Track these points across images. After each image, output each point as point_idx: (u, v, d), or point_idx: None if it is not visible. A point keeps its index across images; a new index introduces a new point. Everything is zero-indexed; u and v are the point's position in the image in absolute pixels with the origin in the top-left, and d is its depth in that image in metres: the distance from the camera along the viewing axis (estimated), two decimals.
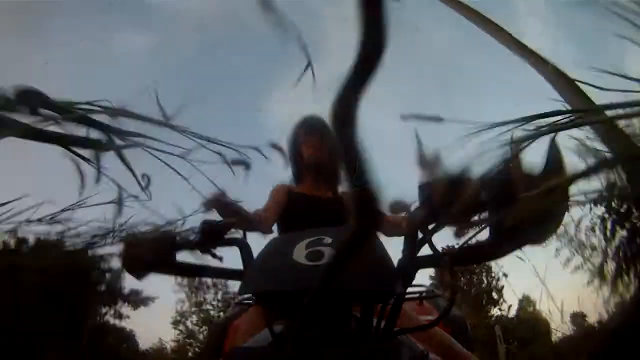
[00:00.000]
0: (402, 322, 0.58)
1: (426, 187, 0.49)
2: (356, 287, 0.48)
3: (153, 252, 0.71)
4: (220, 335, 1.31)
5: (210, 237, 0.77)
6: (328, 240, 0.54)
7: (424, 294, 1.46)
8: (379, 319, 0.55)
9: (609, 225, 2.75)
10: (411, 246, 0.54)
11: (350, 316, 0.55)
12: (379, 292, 0.51)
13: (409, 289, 0.59)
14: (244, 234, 0.87)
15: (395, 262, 0.56)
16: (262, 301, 0.63)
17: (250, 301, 1.21)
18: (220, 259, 0.80)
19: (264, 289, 0.52)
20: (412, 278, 0.55)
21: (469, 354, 1.16)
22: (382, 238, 0.58)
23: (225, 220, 0.80)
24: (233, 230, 0.82)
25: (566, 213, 0.42)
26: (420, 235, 0.53)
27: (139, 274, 0.74)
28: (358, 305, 0.55)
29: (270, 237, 0.97)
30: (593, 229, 3.06)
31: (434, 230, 0.52)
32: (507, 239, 0.42)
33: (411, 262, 0.54)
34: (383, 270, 0.51)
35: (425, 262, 0.55)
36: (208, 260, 0.77)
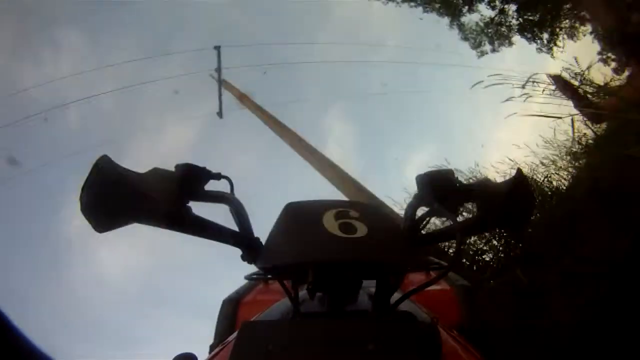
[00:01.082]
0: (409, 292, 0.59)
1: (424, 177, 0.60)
2: (378, 259, 0.49)
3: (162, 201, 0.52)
4: (232, 312, 1.34)
5: (188, 182, 0.57)
6: (355, 213, 0.53)
7: (430, 265, 1.48)
8: (389, 290, 0.55)
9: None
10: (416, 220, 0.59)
11: (360, 287, 0.56)
12: (394, 264, 0.52)
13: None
14: (232, 189, 0.64)
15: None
16: (283, 274, 0.58)
17: (261, 276, 1.22)
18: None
19: (295, 260, 0.49)
20: (420, 249, 0.57)
21: (479, 321, 1.18)
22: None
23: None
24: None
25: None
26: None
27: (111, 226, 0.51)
28: (369, 278, 0.55)
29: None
30: None
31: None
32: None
33: (420, 236, 0.56)
34: (399, 243, 0.52)
35: (434, 237, 0.60)
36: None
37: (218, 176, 0.63)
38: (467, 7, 9.66)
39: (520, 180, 0.59)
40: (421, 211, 0.63)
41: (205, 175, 0.61)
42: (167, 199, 0.52)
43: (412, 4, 9.72)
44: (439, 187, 0.59)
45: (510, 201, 0.56)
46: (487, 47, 10.30)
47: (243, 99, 7.83)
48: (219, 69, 8.52)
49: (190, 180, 0.57)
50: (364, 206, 0.58)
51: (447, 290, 1.33)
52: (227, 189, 0.64)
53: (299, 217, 0.55)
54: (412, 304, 0.67)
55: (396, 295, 0.54)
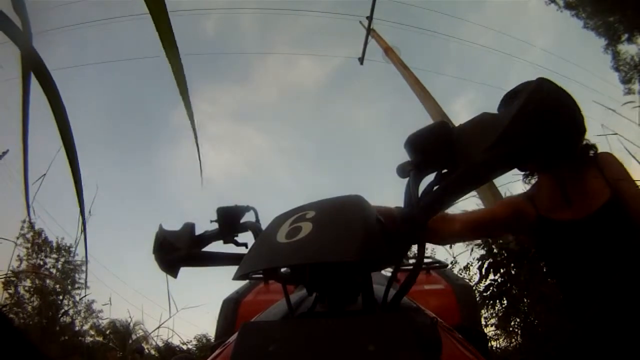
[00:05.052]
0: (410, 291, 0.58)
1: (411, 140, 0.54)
2: (327, 259, 0.45)
3: (182, 248, 0.77)
4: (233, 311, 1.34)
5: (227, 222, 0.82)
6: (311, 214, 0.52)
7: (430, 264, 1.48)
8: (387, 288, 0.55)
9: (485, 265, 3.15)
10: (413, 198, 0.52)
11: (359, 287, 0.55)
12: (360, 262, 0.49)
13: (414, 261, 0.56)
14: (257, 219, 0.87)
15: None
16: (268, 278, 0.61)
17: (261, 276, 1.24)
18: (245, 245, 0.83)
19: (248, 270, 0.51)
20: (412, 241, 0.52)
21: (478, 320, 1.18)
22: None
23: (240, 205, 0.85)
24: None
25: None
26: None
27: (174, 271, 0.79)
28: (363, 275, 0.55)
29: None
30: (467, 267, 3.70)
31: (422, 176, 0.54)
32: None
33: (414, 219, 0.50)
34: (361, 238, 0.47)
35: (428, 211, 0.52)
36: (233, 249, 0.82)
37: (248, 208, 0.85)
38: (627, 35, 8.40)
39: (542, 90, 0.45)
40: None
41: (240, 211, 0.84)
42: (184, 248, 0.77)
43: (573, 12, 8.86)
44: (420, 148, 0.53)
45: (524, 120, 0.43)
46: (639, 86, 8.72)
47: (389, 51, 7.84)
48: (370, 17, 8.50)
49: (229, 221, 0.82)
50: (328, 204, 0.56)
51: (447, 290, 1.33)
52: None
53: (267, 229, 0.57)
54: (412, 304, 0.67)
55: (395, 295, 0.54)
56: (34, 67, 0.41)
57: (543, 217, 1.17)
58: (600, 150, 1.18)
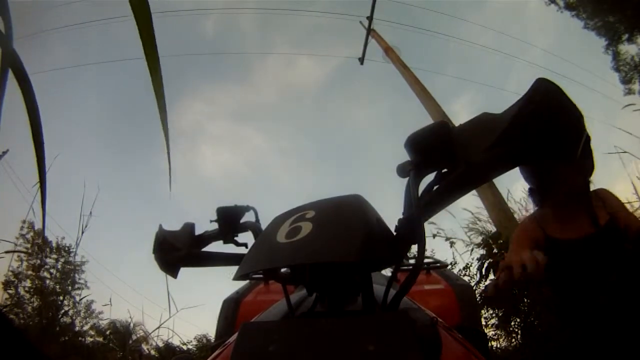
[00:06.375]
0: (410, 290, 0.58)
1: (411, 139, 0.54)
2: (327, 259, 0.45)
3: (182, 248, 0.78)
4: (233, 311, 1.35)
5: (227, 222, 0.83)
6: (311, 214, 0.52)
7: (430, 264, 1.48)
8: (387, 288, 0.55)
9: (485, 265, 3.18)
10: (412, 200, 0.51)
11: (359, 287, 0.55)
12: (360, 262, 0.49)
13: (414, 261, 0.55)
14: (257, 218, 0.87)
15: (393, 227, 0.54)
16: (268, 278, 0.61)
17: (261, 276, 1.24)
18: (245, 245, 0.83)
19: (248, 270, 0.51)
20: (411, 241, 0.52)
21: (478, 320, 1.18)
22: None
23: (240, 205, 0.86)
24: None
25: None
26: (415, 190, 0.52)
27: (174, 271, 0.80)
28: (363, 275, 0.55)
29: None
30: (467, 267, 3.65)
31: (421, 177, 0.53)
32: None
33: (413, 220, 0.50)
34: (361, 238, 0.47)
35: (428, 211, 0.52)
36: (233, 249, 0.83)
37: (247, 208, 0.86)
38: (627, 35, 8.45)
39: (542, 90, 0.45)
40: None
41: (240, 211, 0.85)
42: (184, 248, 0.78)
43: (573, 13, 8.88)
44: (420, 148, 0.53)
45: (525, 120, 0.44)
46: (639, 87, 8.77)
47: (389, 51, 7.91)
48: (370, 17, 8.54)
49: (229, 221, 0.83)
50: (327, 204, 0.56)
51: (447, 290, 1.33)
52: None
53: (267, 229, 0.57)
54: (413, 304, 0.67)
55: (395, 295, 0.54)
56: (12, 65, 0.45)
57: (550, 237, 1.32)
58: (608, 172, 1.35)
